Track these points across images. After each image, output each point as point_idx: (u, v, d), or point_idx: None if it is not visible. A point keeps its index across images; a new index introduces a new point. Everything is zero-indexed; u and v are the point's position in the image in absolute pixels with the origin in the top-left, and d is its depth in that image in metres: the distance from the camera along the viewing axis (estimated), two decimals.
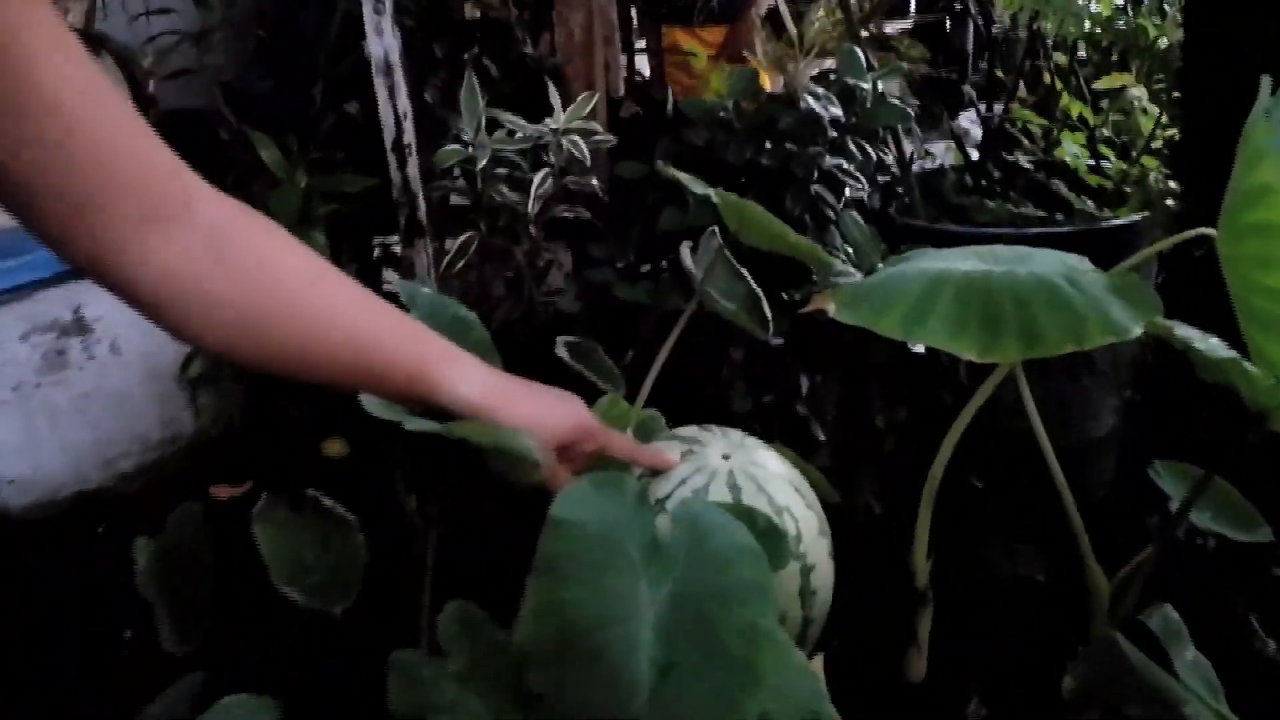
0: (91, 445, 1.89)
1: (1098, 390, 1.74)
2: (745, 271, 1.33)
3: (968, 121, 2.23)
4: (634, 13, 3.37)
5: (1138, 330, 0.74)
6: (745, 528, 0.69)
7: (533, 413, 0.81)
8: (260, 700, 0.72)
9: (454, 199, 1.90)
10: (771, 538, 0.82)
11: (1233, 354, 0.73)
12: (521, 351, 1.21)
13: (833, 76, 1.57)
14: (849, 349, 1.60)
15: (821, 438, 1.53)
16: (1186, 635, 0.78)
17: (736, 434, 1.01)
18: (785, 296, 1.59)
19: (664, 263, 1.66)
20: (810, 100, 1.42)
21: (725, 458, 0.95)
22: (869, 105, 1.45)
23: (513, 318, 1.90)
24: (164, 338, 2.01)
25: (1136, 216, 1.64)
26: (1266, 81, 0.74)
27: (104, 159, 0.62)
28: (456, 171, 1.78)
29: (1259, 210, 0.70)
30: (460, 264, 1.81)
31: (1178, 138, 1.51)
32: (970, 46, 3.76)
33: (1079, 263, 0.84)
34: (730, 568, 0.65)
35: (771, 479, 0.95)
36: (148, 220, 0.65)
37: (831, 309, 0.85)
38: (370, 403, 0.83)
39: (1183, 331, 0.78)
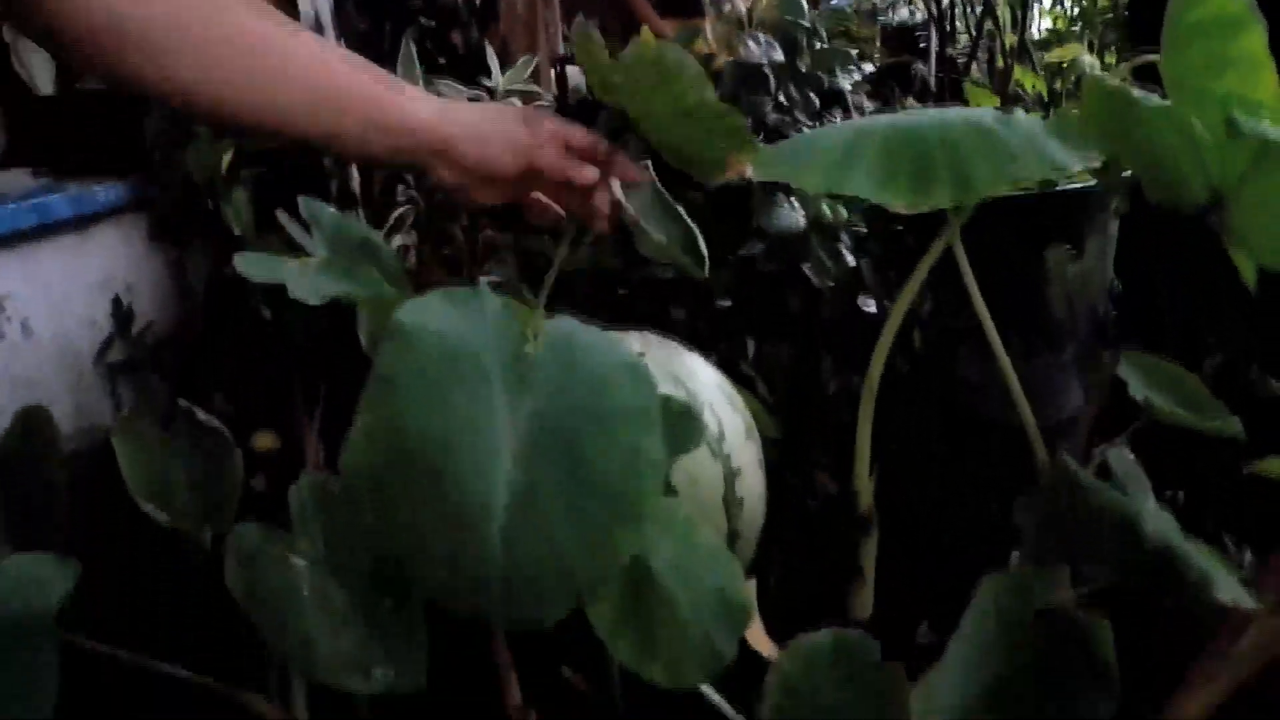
0: None
1: (1065, 365, 1.67)
2: (680, 208, 1.26)
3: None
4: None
5: (1076, 164, 0.67)
6: (624, 347, 0.60)
7: (490, 123, 0.80)
8: (49, 560, 0.61)
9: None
10: (681, 419, 0.73)
11: (1164, 102, 0.66)
12: None
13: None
14: (799, 310, 1.52)
15: (769, 399, 1.44)
16: (1148, 482, 0.70)
17: (657, 336, 0.93)
18: (731, 256, 1.52)
19: None
20: (750, 43, 1.36)
21: (640, 354, 0.86)
22: (809, 49, 1.39)
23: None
24: (80, 320, 1.88)
25: (1092, 182, 1.58)
26: None
27: None
28: None
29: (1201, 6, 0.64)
30: (397, 238, 1.74)
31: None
32: (933, 73, 3.77)
33: (1015, 114, 0.77)
34: (606, 387, 0.56)
35: (694, 377, 0.86)
36: None
37: (750, 169, 0.77)
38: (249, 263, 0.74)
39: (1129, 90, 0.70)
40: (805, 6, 1.45)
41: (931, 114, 0.76)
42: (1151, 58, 0.71)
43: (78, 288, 1.86)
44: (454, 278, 1.82)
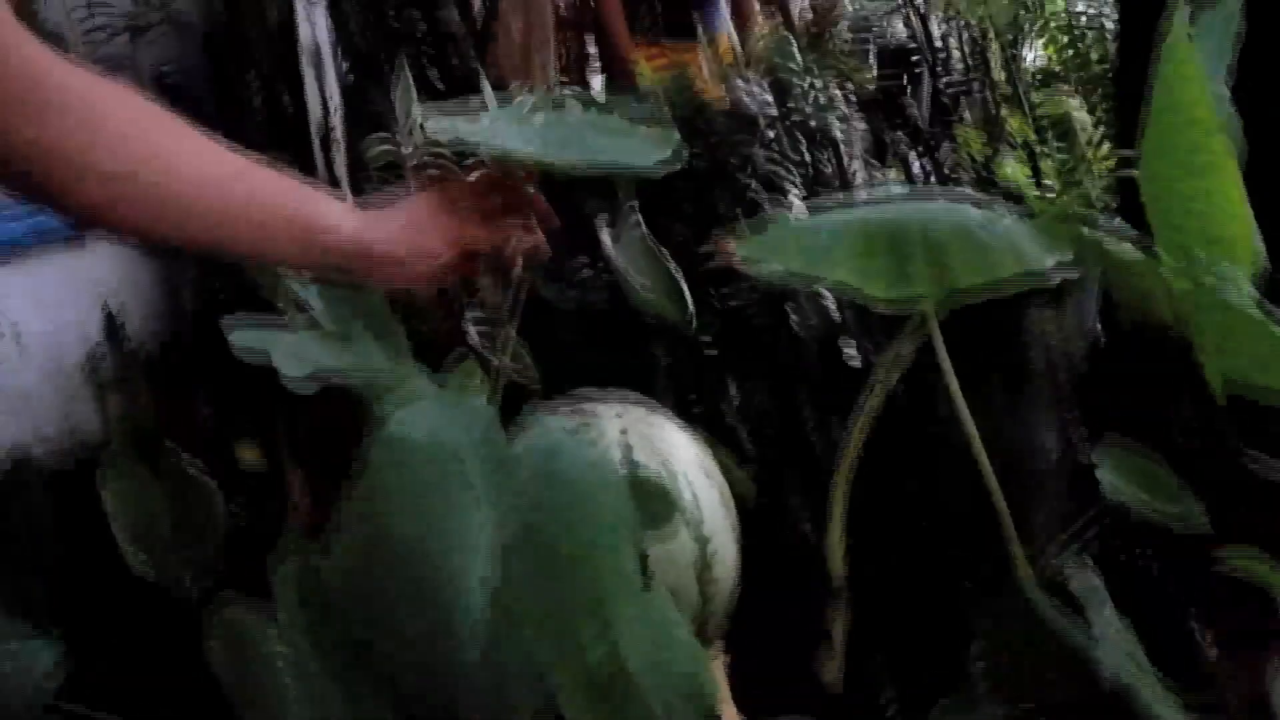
0: None
1: (1038, 417, 1.69)
2: (665, 252, 1.27)
3: (915, 155, 2.22)
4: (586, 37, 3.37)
5: (1050, 261, 0.69)
6: (603, 456, 0.62)
7: (408, 233, 0.77)
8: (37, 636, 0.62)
9: None
10: (656, 496, 0.75)
11: (1141, 254, 0.68)
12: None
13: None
14: (781, 355, 1.54)
15: (749, 448, 1.46)
16: (1106, 595, 0.71)
17: (640, 408, 0.94)
18: (715, 301, 1.54)
19: (587, 260, 1.60)
20: (740, 86, 1.38)
21: (619, 423, 0.88)
22: (803, 97, 1.41)
23: (442, 330, 1.83)
24: (71, 332, 1.88)
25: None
26: (1183, 8, 0.70)
27: None
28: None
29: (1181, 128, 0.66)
30: None
31: (1116, 157, 1.49)
32: (926, 108, 3.79)
33: (998, 213, 0.79)
34: (585, 497, 0.57)
35: (670, 446, 0.87)
36: (24, 107, 0.62)
37: (735, 251, 0.79)
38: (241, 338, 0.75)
39: (1095, 234, 0.72)
40: (796, 50, 1.46)
41: (916, 209, 0.78)
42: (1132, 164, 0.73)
43: (70, 300, 1.86)
44: (443, 307, 1.83)
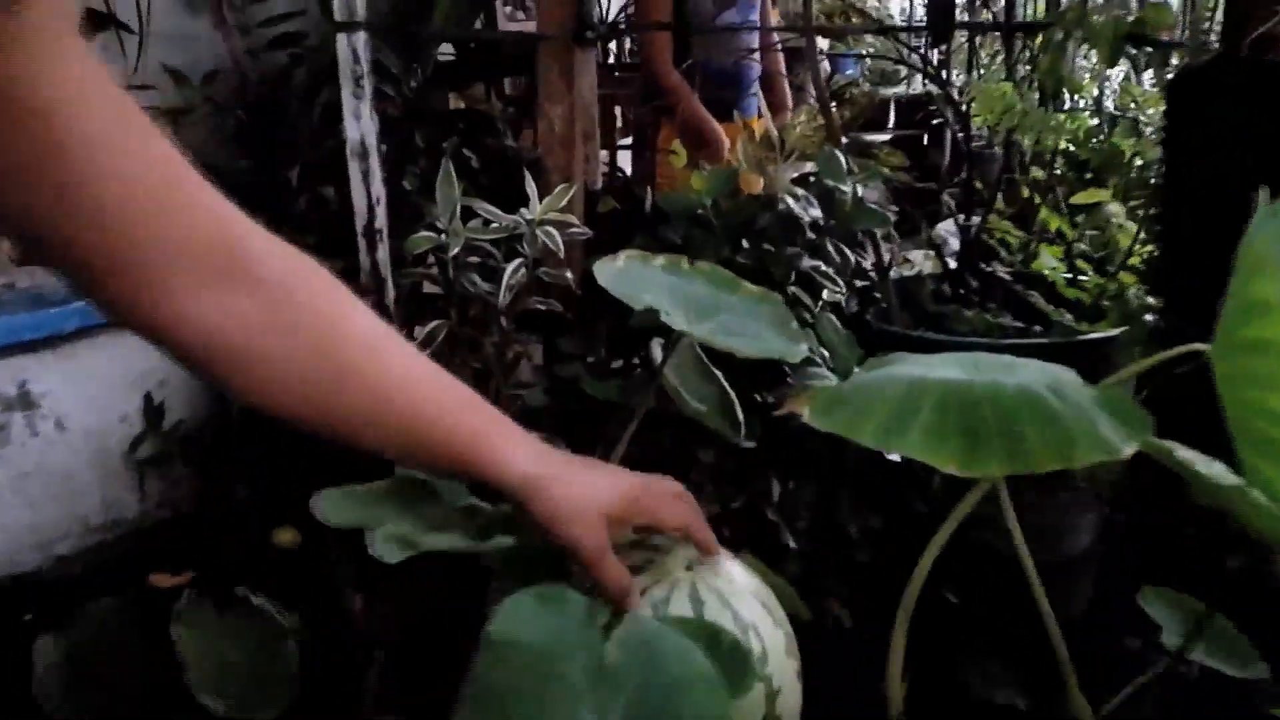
0: (28, 526, 1.79)
1: (1075, 507, 1.69)
2: (718, 372, 1.29)
3: (946, 232, 2.24)
4: (618, 110, 3.40)
5: (1130, 450, 0.70)
6: (700, 652, 0.63)
7: (582, 490, 0.78)
8: None
9: (426, 288, 1.87)
10: (735, 659, 0.76)
11: (1238, 480, 0.69)
12: None
13: (812, 179, 1.57)
14: (823, 453, 1.55)
15: (793, 545, 1.47)
16: None
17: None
18: (759, 398, 1.55)
19: (635, 359, 1.62)
20: (790, 201, 1.41)
21: (688, 568, 0.89)
22: (848, 208, 1.43)
23: None
24: (113, 416, 1.91)
25: (1115, 331, 1.62)
26: (1264, 192, 0.72)
27: (151, 213, 0.58)
28: (431, 260, 1.75)
29: (1258, 326, 0.67)
30: (428, 352, 1.77)
31: (1157, 254, 1.50)
32: (947, 160, 3.82)
33: (1063, 373, 0.80)
34: (683, 697, 0.59)
35: (737, 593, 0.89)
36: (201, 277, 0.61)
37: (806, 414, 0.80)
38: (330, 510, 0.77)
39: (1183, 454, 0.73)
40: (844, 167, 1.49)
41: (984, 365, 0.79)
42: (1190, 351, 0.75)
43: (111, 384, 1.89)
44: (481, 390, 1.84)
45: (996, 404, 0.74)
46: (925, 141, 4.89)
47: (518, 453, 0.77)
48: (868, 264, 1.66)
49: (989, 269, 1.95)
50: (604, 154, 2.79)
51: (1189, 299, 1.21)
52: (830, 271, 1.49)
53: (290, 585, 1.58)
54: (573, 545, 0.77)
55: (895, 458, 1.54)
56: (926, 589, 1.08)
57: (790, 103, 2.86)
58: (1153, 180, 1.71)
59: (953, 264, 2.00)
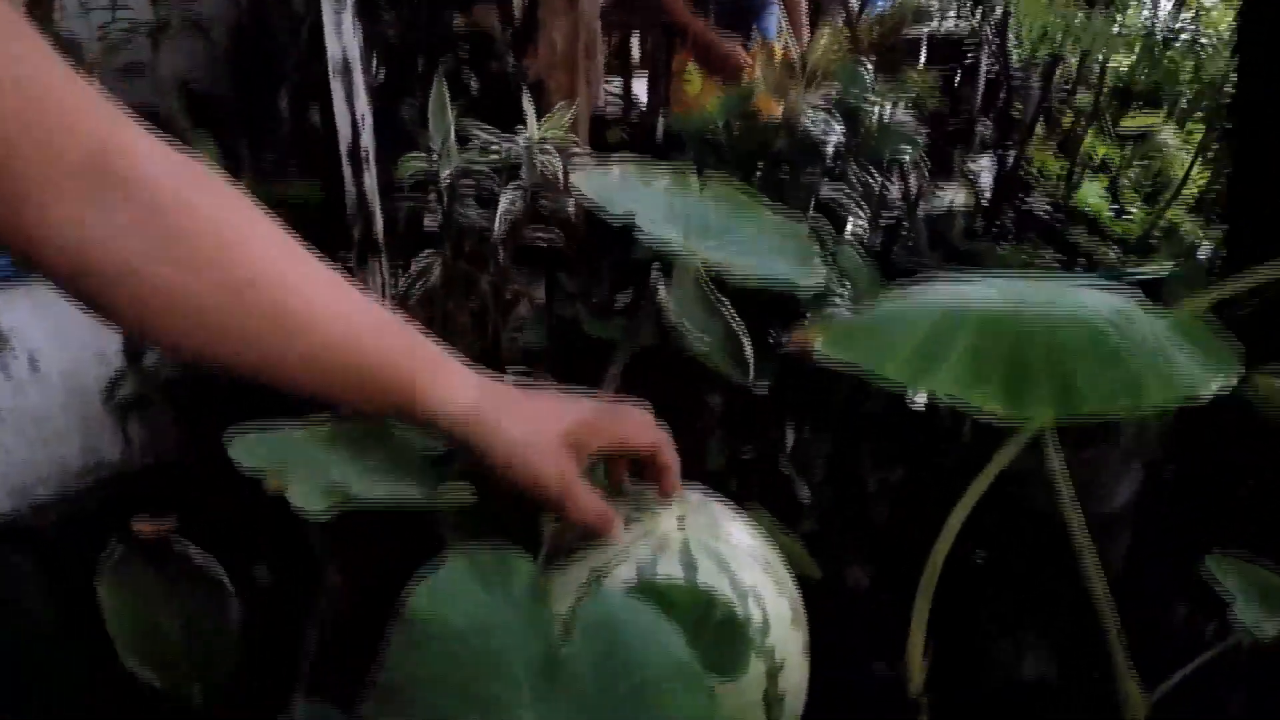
0: (2, 471, 1.71)
1: (1115, 460, 1.57)
2: (725, 305, 1.16)
3: (980, 166, 2.09)
4: (634, 40, 3.24)
5: (1212, 390, 0.57)
6: (680, 635, 0.51)
7: (535, 416, 0.69)
8: None
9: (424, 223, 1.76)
10: (728, 635, 0.64)
11: None
12: None
13: (836, 98, 1.42)
14: (841, 400, 1.43)
15: (806, 500, 1.35)
16: None
17: (697, 492, 0.83)
18: (772, 340, 1.42)
19: (640, 297, 1.49)
20: (808, 121, 1.26)
21: (680, 524, 0.77)
22: (874, 129, 1.29)
23: (475, 353, 1.73)
24: (90, 355, 1.78)
25: (1168, 268, 1.48)
26: None
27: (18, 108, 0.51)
28: (431, 195, 1.64)
29: None
30: (420, 289, 1.65)
31: (1219, 181, 1.35)
32: (981, 96, 3.64)
33: (1126, 301, 0.67)
34: (654, 698, 0.47)
35: (736, 554, 0.77)
36: (73, 188, 0.53)
37: (818, 347, 0.68)
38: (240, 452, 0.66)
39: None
40: (868, 77, 1.34)
41: (1033, 300, 0.66)
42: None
43: (87, 322, 1.77)
44: (478, 331, 1.73)
45: (1049, 335, 0.61)
46: (958, 81, 4.70)
47: (455, 382, 0.66)
48: (894, 192, 1.52)
49: (1026, 203, 1.81)
50: (618, 83, 2.64)
51: (1262, 225, 1.07)
52: (854, 198, 1.35)
53: (276, 539, 1.49)
54: (533, 481, 0.67)
55: (919, 404, 1.42)
56: (952, 549, 0.97)
57: (807, 22, 2.69)
58: (1217, 104, 1.55)
59: (987, 197, 1.85)
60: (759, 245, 0.91)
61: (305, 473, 0.62)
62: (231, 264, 0.58)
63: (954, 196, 1.97)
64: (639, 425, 0.75)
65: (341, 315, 0.62)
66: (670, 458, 0.76)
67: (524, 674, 0.45)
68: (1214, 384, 0.57)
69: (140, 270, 0.55)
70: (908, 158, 1.44)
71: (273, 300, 0.59)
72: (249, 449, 0.63)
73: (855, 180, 1.34)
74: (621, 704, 0.46)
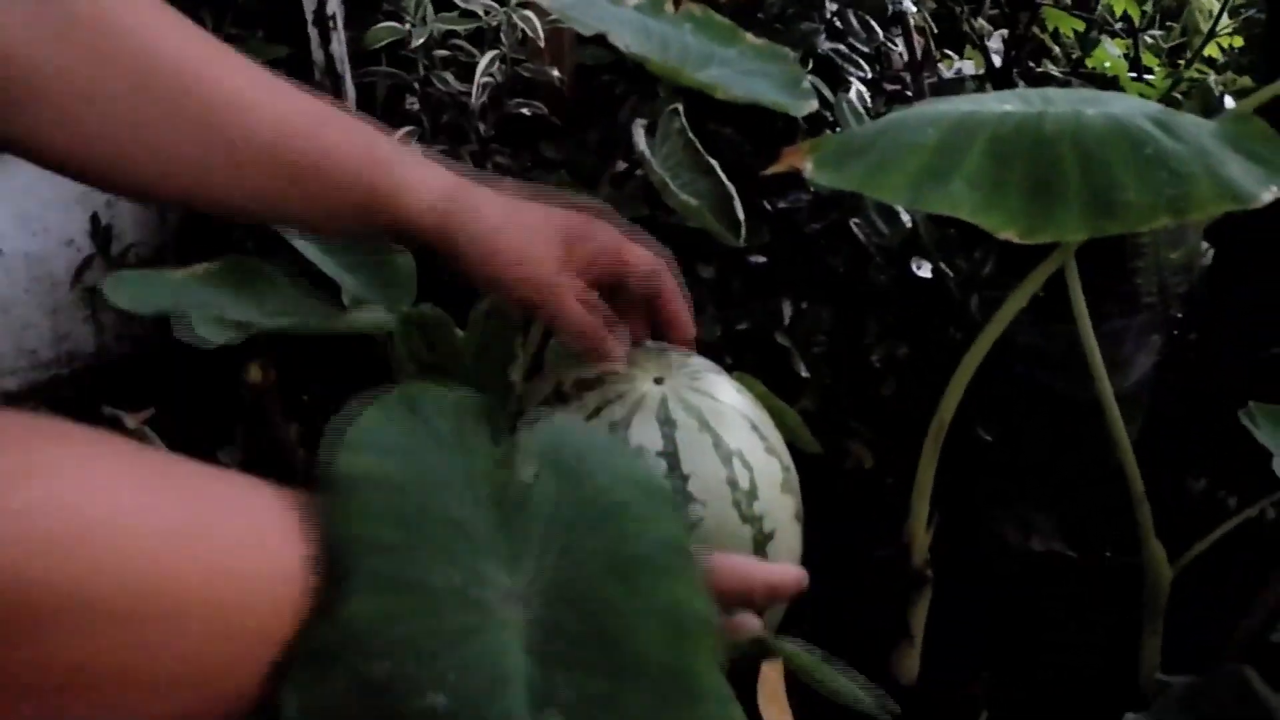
0: None
1: (1133, 332, 1.49)
2: (714, 162, 1.07)
3: (991, 27, 1.96)
4: None
5: (1269, 195, 0.49)
6: (636, 457, 0.44)
7: (515, 212, 0.61)
8: None
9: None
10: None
11: None
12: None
13: None
14: (842, 269, 1.35)
15: (806, 374, 1.28)
16: None
17: (678, 352, 0.76)
18: (767, 205, 1.34)
19: (628, 166, 1.40)
20: None
21: (658, 382, 0.69)
22: None
23: None
24: (56, 240, 1.67)
25: None
26: None
27: None
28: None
29: None
30: None
31: (1255, 29, 1.24)
32: None
33: (1162, 109, 0.58)
34: (628, 521, 0.39)
35: (721, 412, 0.69)
36: None
37: (808, 169, 0.59)
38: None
39: None
40: None
41: (1058, 104, 0.57)
42: None
43: (52, 204, 1.69)
44: None
45: (1078, 142, 0.53)
46: None
47: (423, 172, 0.58)
48: (899, 50, 1.41)
49: (1040, 67, 1.70)
50: None
51: None
52: (857, 53, 1.24)
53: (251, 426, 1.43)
54: (519, 270, 0.60)
55: (925, 274, 1.33)
56: (959, 425, 0.90)
57: None
58: None
59: (998, 62, 1.73)
60: (744, 68, 0.82)
61: (203, 314, 0.55)
62: (163, 67, 0.53)
63: (962, 64, 1.86)
64: (637, 244, 0.67)
65: (297, 107, 0.56)
66: (672, 287, 0.69)
67: (479, 519, 0.37)
68: (1273, 186, 0.49)
69: (67, 80, 0.50)
70: (911, 7, 1.33)
71: (215, 98, 0.53)
72: (140, 293, 0.55)
73: (858, 28, 1.23)
74: (591, 532, 0.39)
